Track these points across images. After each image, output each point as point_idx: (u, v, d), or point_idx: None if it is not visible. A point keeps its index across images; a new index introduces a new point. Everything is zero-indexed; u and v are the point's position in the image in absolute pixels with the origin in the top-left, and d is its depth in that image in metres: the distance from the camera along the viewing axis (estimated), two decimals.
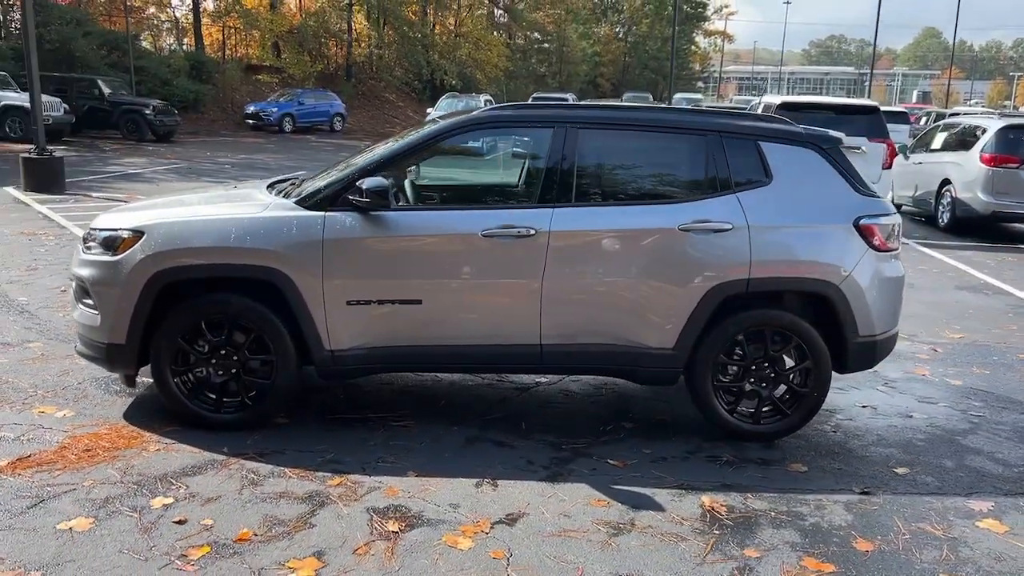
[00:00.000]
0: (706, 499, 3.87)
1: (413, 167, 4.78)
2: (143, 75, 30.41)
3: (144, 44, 34.71)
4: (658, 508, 3.77)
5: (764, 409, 4.56)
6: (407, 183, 4.92)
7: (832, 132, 4.81)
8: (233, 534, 3.37)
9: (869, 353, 4.60)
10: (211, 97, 34.27)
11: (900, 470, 4.33)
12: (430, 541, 3.38)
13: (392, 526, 3.49)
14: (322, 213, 4.26)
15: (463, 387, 5.30)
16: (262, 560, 3.19)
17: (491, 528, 3.52)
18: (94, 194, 13.43)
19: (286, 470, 3.98)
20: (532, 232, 4.29)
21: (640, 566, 3.28)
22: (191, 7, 37.49)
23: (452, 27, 49.14)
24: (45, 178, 13.28)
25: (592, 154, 4.53)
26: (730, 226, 4.36)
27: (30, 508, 3.50)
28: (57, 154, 14.03)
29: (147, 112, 25.55)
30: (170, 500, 3.61)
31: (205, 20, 38.45)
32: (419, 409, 4.89)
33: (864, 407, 5.25)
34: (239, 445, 4.21)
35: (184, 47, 39.17)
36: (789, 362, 4.55)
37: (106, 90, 25.38)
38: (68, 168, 14.25)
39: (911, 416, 5.12)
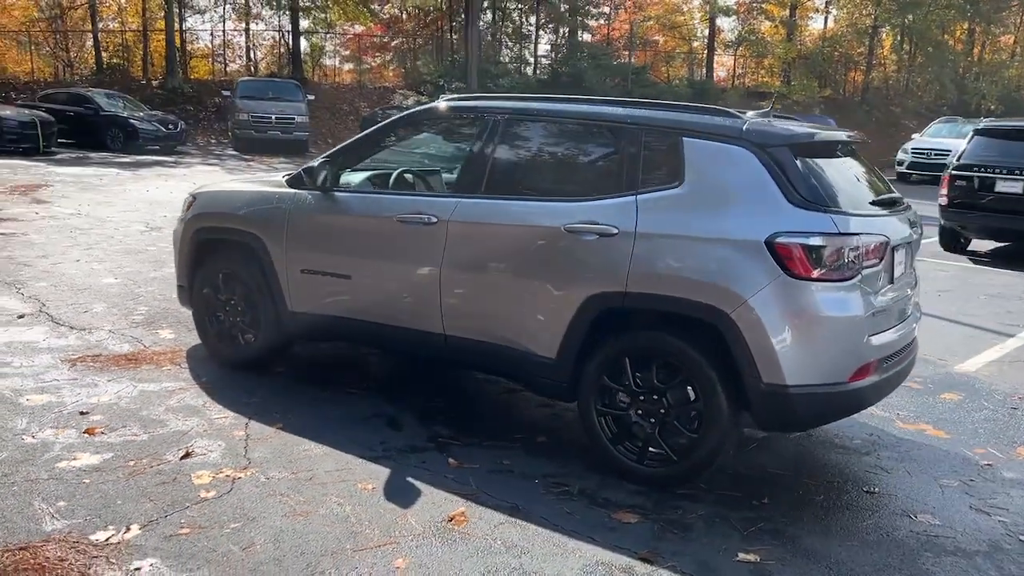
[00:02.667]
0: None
1: (364, 157, 5.05)
2: None
3: (650, 76, 37.51)
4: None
5: (651, 449, 3.91)
6: (371, 171, 5.20)
7: (804, 127, 3.88)
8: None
9: (783, 408, 3.62)
10: None
11: None
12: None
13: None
14: (293, 190, 4.92)
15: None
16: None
17: (248, 469, 3.84)
18: None
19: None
20: (434, 220, 4.37)
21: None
22: (707, 38, 39.51)
23: (1007, 45, 43.06)
24: None
25: (510, 147, 4.37)
26: (616, 231, 3.87)
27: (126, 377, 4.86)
28: None
29: None
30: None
31: (719, 51, 40.12)
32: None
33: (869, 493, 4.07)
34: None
35: (696, 76, 41.29)
36: (679, 399, 3.83)
37: None
38: None
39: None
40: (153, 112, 23.50)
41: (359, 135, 5.10)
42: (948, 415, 5.11)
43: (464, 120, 4.75)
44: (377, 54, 40.64)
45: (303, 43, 35.94)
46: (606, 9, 39.68)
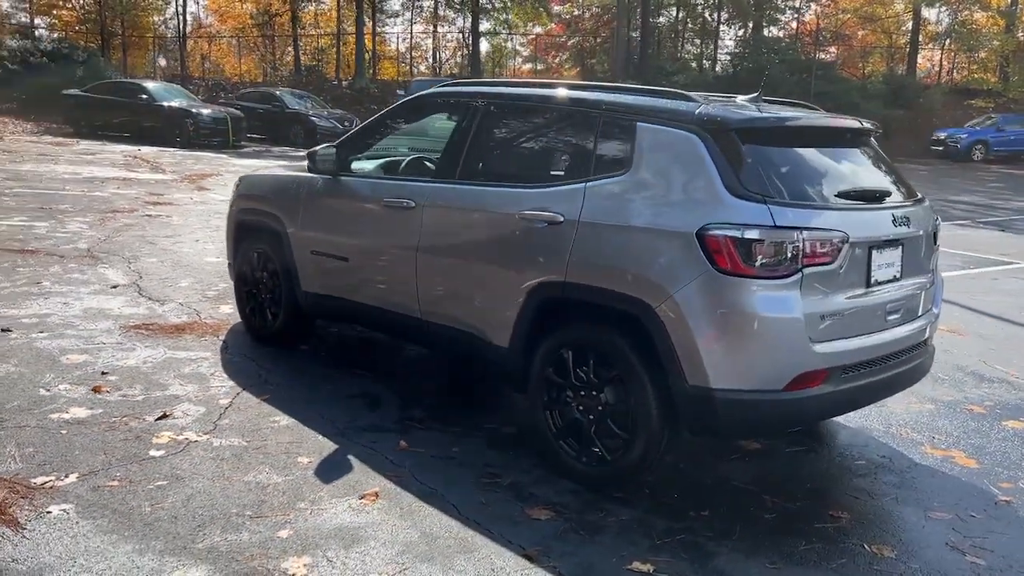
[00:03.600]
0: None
1: (369, 143, 5.13)
2: (824, 100, 31.32)
3: (839, 71, 35.33)
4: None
5: (592, 447, 3.75)
6: (382, 157, 5.28)
7: (758, 112, 3.58)
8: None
9: (707, 413, 3.36)
10: (904, 122, 33.15)
11: None
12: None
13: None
14: (309, 175, 5.14)
15: None
16: None
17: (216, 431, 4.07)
18: None
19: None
20: (412, 205, 4.42)
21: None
22: (910, 31, 36.69)
23: None
24: None
25: (483, 132, 4.32)
26: (562, 219, 3.75)
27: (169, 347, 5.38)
28: None
29: None
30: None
31: (924, 44, 37.12)
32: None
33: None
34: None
35: (896, 71, 38.45)
36: (614, 397, 3.65)
37: None
38: None
39: None
40: (333, 111, 25.06)
41: (366, 121, 5.23)
42: (995, 445, 4.51)
43: (449, 105, 4.75)
44: (557, 54, 41.03)
45: (485, 44, 36.95)
46: (797, 3, 37.80)
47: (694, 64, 37.91)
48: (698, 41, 40.20)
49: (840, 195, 3.57)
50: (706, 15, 38.68)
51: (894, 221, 3.64)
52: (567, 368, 3.74)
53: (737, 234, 3.22)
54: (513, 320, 3.91)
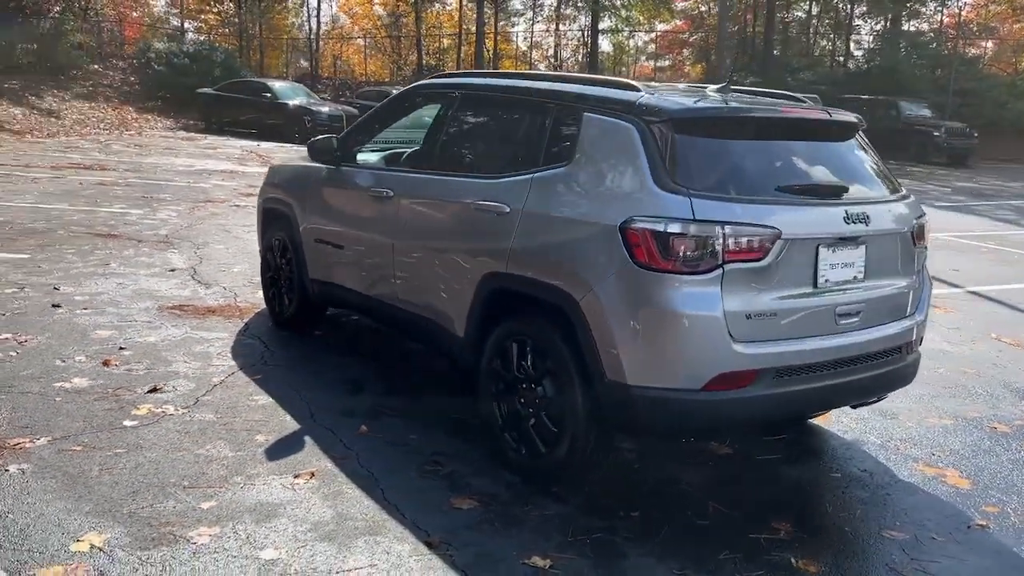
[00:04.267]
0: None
1: (370, 134, 5.20)
2: (969, 97, 29.36)
3: (984, 67, 32.93)
4: None
5: (534, 441, 3.71)
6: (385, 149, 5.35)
7: (700, 102, 3.44)
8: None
9: (625, 409, 3.27)
10: None
11: None
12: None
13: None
14: (316, 165, 5.31)
15: None
16: None
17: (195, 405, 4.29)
18: None
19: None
20: (391, 195, 4.51)
21: None
22: None
23: None
24: None
25: (454, 123, 4.35)
26: (508, 209, 3.74)
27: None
28: None
29: (936, 134, 25.24)
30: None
31: None
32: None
33: None
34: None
35: None
36: (550, 390, 3.60)
37: (909, 111, 25.83)
38: None
39: None
40: None
41: (367, 113, 5.35)
42: (1001, 466, 4.15)
43: (432, 97, 4.80)
44: (680, 51, 40.26)
45: (606, 42, 36.72)
46: None
47: (826, 60, 36.33)
48: (832, 36, 38.45)
49: (782, 189, 3.37)
50: (840, 7, 36.92)
51: (847, 218, 3.41)
52: (511, 360, 3.71)
53: (656, 227, 3.12)
54: (467, 310, 3.93)
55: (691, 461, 4.06)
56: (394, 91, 25.50)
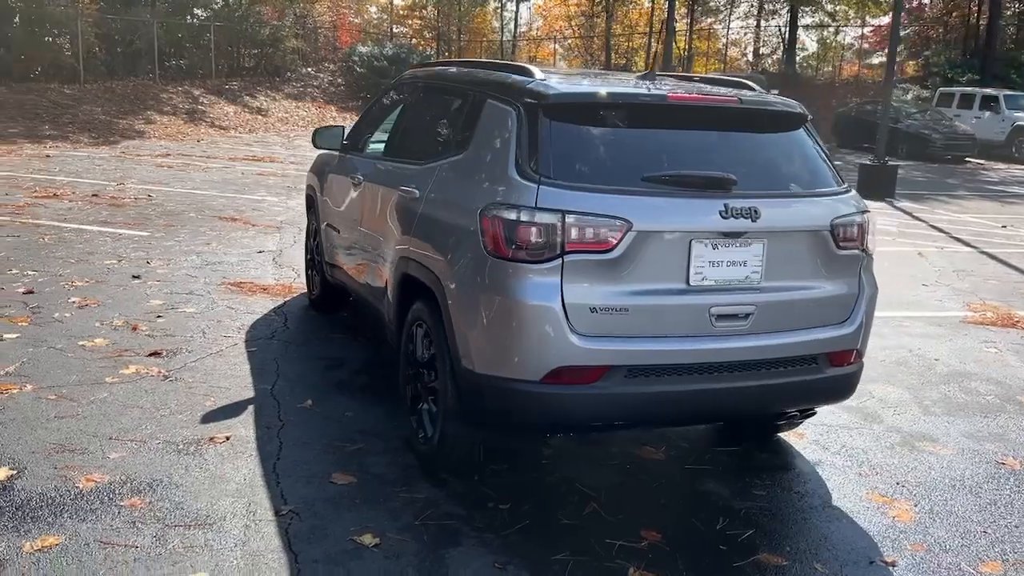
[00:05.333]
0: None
1: (374, 124, 5.29)
2: None
3: None
4: None
5: (424, 425, 3.75)
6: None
7: (577, 88, 3.32)
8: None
9: (474, 397, 3.23)
10: None
11: None
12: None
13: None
14: (333, 152, 5.58)
15: None
16: None
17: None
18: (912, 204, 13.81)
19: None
20: (360, 180, 4.69)
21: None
22: None
23: None
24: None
25: (409, 111, 4.45)
26: (417, 194, 3.80)
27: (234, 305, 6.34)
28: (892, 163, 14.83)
29: None
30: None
31: None
32: None
33: None
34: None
35: None
36: (433, 376, 3.61)
37: None
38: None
39: None
40: None
41: (369, 105, 5.53)
42: (968, 508, 3.66)
43: (405, 87, 4.89)
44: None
45: (811, 39, 34.81)
46: None
47: None
48: None
49: (650, 180, 3.15)
50: None
51: (725, 213, 3.13)
52: (416, 344, 3.76)
53: (503, 215, 3.06)
54: (391, 295, 4.02)
55: (609, 464, 3.90)
56: None
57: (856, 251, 3.44)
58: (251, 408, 4.28)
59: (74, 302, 5.92)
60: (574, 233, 2.98)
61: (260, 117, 25.15)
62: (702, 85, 3.76)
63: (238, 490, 3.43)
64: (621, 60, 35.65)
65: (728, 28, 37.75)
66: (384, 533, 3.17)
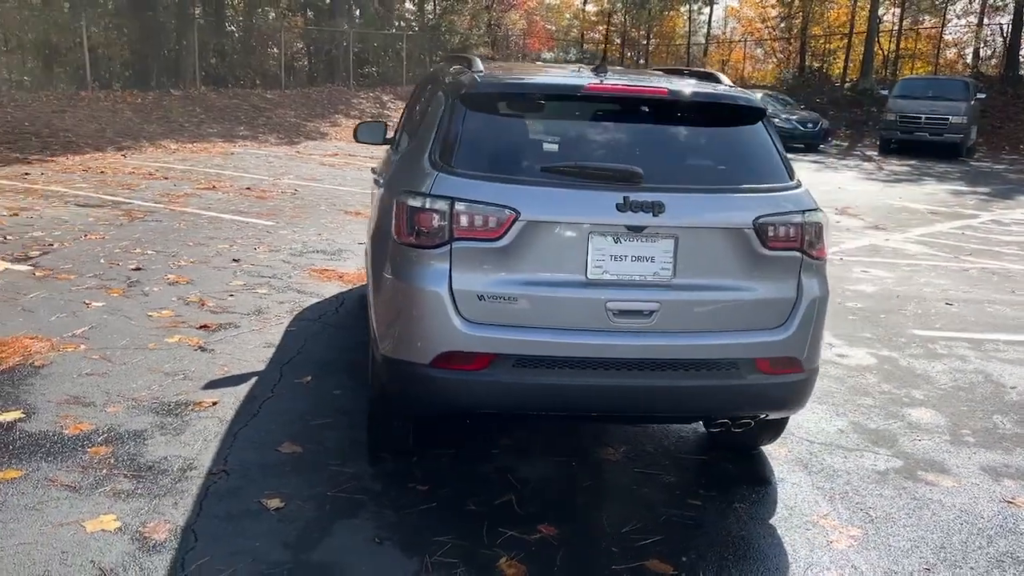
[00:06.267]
0: None
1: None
2: None
3: None
4: None
5: None
6: None
7: (493, 79, 3.35)
8: None
9: (387, 380, 3.39)
10: None
11: None
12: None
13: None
14: (378, 146, 5.84)
15: None
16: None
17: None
18: None
19: None
20: (381, 182, 4.92)
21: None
22: None
23: None
24: None
25: (419, 107, 4.54)
26: (382, 184, 3.99)
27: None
28: None
29: None
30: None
31: None
32: None
33: None
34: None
35: None
36: None
37: None
38: None
39: None
40: (795, 112, 24.23)
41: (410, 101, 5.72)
42: (932, 542, 3.32)
43: (424, 84, 5.00)
44: None
45: None
46: None
47: None
48: None
49: (549, 170, 3.11)
50: None
51: (622, 206, 3.03)
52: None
53: (405, 201, 3.15)
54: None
55: (555, 459, 3.87)
56: (759, 94, 24.87)
57: (793, 253, 3.20)
58: (254, 380, 4.61)
59: (169, 279, 6.59)
60: (462, 220, 3.02)
61: None
62: (646, 78, 3.64)
63: (191, 449, 3.74)
64: (815, 62, 33.88)
65: (943, 27, 34.80)
66: (292, 499, 3.35)
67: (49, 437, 3.76)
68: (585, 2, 42.00)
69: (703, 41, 39.01)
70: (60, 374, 4.51)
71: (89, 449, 3.68)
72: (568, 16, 43.04)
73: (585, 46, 38.82)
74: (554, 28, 42.75)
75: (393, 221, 3.21)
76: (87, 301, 5.84)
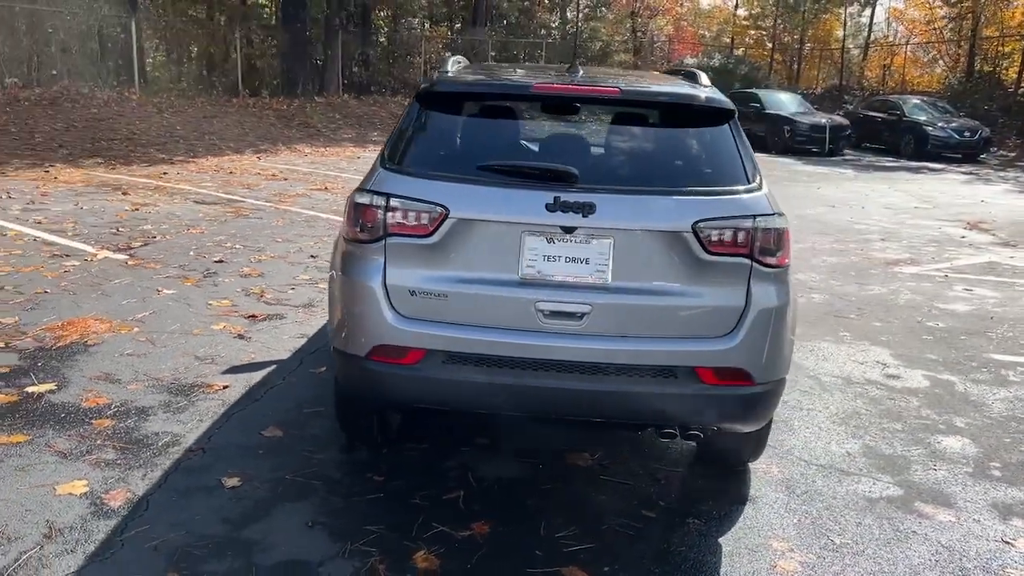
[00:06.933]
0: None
1: None
2: None
3: None
4: None
5: None
6: None
7: (449, 79, 3.38)
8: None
9: (337, 371, 3.48)
10: None
11: None
12: None
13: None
14: None
15: None
16: None
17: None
18: None
19: None
20: None
21: None
22: None
23: None
24: None
25: None
26: None
27: None
28: None
29: None
30: None
31: None
32: None
33: None
34: None
35: None
36: None
37: None
38: None
39: None
40: (953, 120, 22.61)
41: None
42: None
43: None
44: None
45: None
46: None
47: None
48: None
49: (485, 169, 3.10)
50: None
51: (552, 206, 2.98)
52: None
53: (352, 198, 3.26)
54: None
55: (525, 460, 3.84)
56: (900, 100, 23.50)
57: (740, 259, 3.04)
58: (272, 368, 4.85)
59: (243, 271, 7.01)
60: (397, 217, 3.08)
61: None
62: (609, 78, 3.55)
63: (184, 428, 3.99)
64: (987, 67, 31.40)
65: None
66: (251, 480, 3.51)
67: (66, 408, 4.11)
68: (737, 6, 40.92)
69: (863, 44, 37.04)
70: (104, 353, 4.91)
71: (94, 421, 3.99)
72: (720, 21, 42.03)
73: (736, 51, 37.76)
74: (707, 34, 41.87)
75: (344, 217, 3.31)
76: (160, 289, 6.30)
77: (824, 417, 4.50)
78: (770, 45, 37.40)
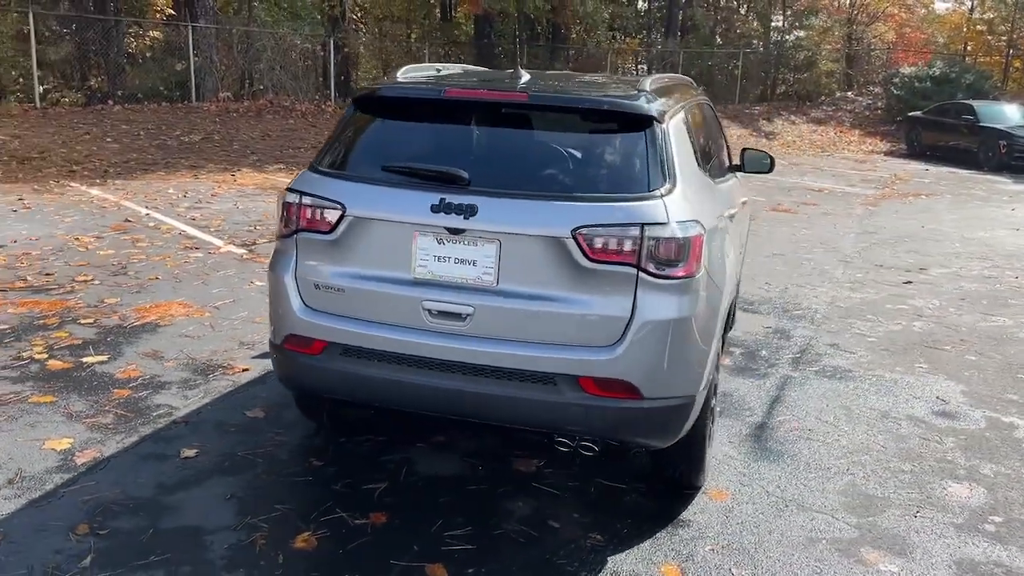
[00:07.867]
0: None
1: None
2: None
3: None
4: None
5: None
6: None
7: (381, 85, 3.50)
8: None
9: None
10: None
11: None
12: None
13: None
14: None
15: None
16: None
17: None
18: None
19: None
20: None
21: None
22: None
23: None
24: None
25: None
26: None
27: None
28: None
29: None
30: None
31: None
32: None
33: None
34: None
35: None
36: None
37: None
38: None
39: None
40: None
41: None
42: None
43: None
44: None
45: None
46: None
47: None
48: None
49: (388, 170, 3.18)
50: None
51: (436, 207, 3.00)
52: None
53: (283, 196, 3.49)
54: None
55: (469, 461, 3.87)
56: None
57: (625, 268, 2.93)
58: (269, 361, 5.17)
59: None
60: (306, 214, 3.26)
61: (764, 140, 25.31)
62: (537, 82, 3.50)
63: (184, 402, 4.38)
64: None
65: None
66: (206, 453, 3.82)
67: (101, 377, 4.65)
68: (972, 10, 37.39)
69: None
70: (167, 334, 5.47)
71: (115, 391, 4.49)
72: (951, 27, 38.54)
73: (967, 58, 34.50)
74: (941, 40, 38.54)
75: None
76: (252, 281, 6.88)
77: (828, 450, 4.15)
78: (1010, 52, 33.77)
